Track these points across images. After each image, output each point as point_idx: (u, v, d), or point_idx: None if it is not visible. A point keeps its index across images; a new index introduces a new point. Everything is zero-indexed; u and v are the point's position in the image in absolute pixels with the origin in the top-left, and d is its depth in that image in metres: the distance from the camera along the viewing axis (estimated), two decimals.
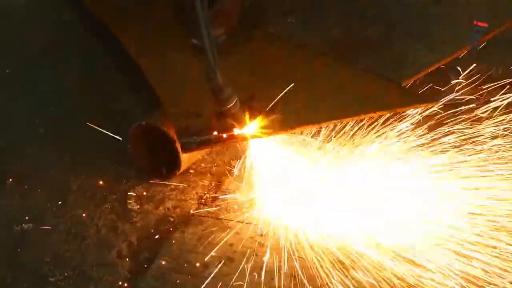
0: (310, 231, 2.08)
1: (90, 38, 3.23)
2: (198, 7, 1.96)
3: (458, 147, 2.26)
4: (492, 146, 2.24)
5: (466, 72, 2.49)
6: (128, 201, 2.33)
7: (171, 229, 2.20)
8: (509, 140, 2.25)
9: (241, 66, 2.38)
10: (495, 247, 1.94)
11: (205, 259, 2.04)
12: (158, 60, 2.56)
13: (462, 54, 2.46)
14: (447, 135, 2.30)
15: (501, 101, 2.37)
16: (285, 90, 2.16)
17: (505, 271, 1.87)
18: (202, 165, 2.49)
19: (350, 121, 2.25)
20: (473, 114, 2.35)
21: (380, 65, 2.36)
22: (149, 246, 2.15)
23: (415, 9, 2.65)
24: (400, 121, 2.30)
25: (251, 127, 2.06)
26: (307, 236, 2.06)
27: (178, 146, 2.17)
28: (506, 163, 2.17)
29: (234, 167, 2.45)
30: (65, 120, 2.74)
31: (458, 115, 2.36)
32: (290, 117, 2.09)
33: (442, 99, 2.35)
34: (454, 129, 2.31)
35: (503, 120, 2.31)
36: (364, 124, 2.31)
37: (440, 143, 2.28)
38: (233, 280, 1.95)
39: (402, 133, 2.29)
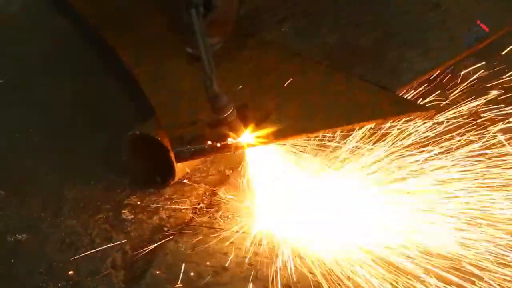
0: (306, 241, 2.07)
1: (84, 46, 3.23)
2: (194, 15, 1.97)
3: None
4: None
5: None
6: (122, 211, 2.32)
7: (165, 238, 2.18)
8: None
9: (234, 75, 2.38)
10: None
11: (200, 269, 2.03)
12: (152, 69, 2.55)
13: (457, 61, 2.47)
14: None
15: None
16: (279, 98, 2.17)
17: None
18: (197, 174, 2.48)
19: (344, 129, 2.25)
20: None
21: (374, 73, 2.36)
22: (143, 256, 2.13)
23: (410, 16, 2.65)
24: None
25: (245, 136, 2.06)
26: (302, 245, 2.06)
27: (172, 155, 2.16)
28: None
29: (228, 176, 2.45)
30: (60, 129, 2.73)
31: None
32: (284, 126, 2.08)
33: None
34: None
35: None
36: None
37: None
38: None
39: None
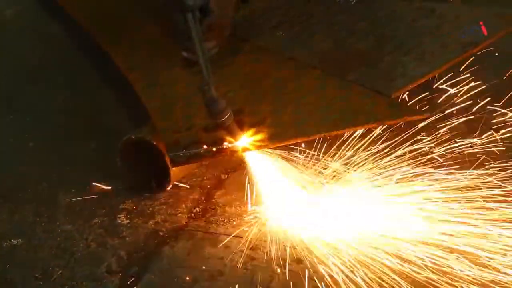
0: (301, 244, 2.08)
1: (79, 52, 3.23)
2: (190, 20, 1.97)
3: None
4: None
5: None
6: (118, 216, 2.32)
7: (161, 243, 2.18)
8: None
9: (230, 80, 2.38)
10: None
11: (195, 273, 2.03)
12: (147, 74, 2.56)
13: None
14: None
15: None
16: (274, 103, 2.17)
17: None
18: (192, 178, 2.48)
19: (339, 134, 2.25)
20: None
21: (369, 78, 2.36)
22: (138, 260, 2.13)
23: (405, 22, 2.66)
24: None
25: (241, 141, 2.06)
26: (299, 249, 2.06)
27: (168, 160, 2.16)
28: None
29: (224, 180, 2.45)
30: (54, 135, 2.74)
31: None
32: (279, 131, 2.08)
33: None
34: None
35: None
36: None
37: None
38: None
39: None
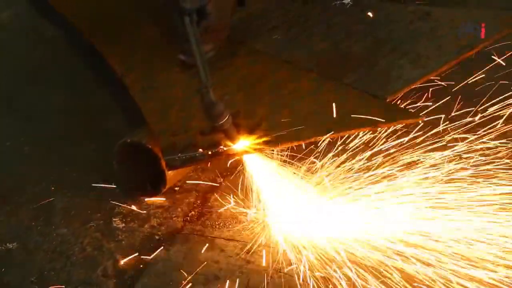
0: (296, 248, 2.08)
1: (75, 55, 3.23)
2: (187, 23, 1.97)
3: None
4: None
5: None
6: (114, 219, 2.32)
7: (156, 247, 2.18)
8: None
9: (226, 82, 2.38)
10: None
11: (191, 277, 2.02)
12: (143, 78, 2.56)
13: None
14: None
15: None
16: (271, 106, 2.17)
17: None
18: (188, 182, 2.48)
19: (335, 137, 2.25)
20: None
21: (365, 81, 2.36)
22: (134, 264, 2.13)
23: (401, 25, 2.66)
24: None
25: (237, 144, 2.06)
26: (294, 253, 2.06)
27: (164, 163, 2.16)
28: None
29: (220, 184, 2.45)
30: (50, 139, 2.73)
31: None
32: (276, 133, 2.09)
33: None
34: None
35: None
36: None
37: None
38: None
39: None
